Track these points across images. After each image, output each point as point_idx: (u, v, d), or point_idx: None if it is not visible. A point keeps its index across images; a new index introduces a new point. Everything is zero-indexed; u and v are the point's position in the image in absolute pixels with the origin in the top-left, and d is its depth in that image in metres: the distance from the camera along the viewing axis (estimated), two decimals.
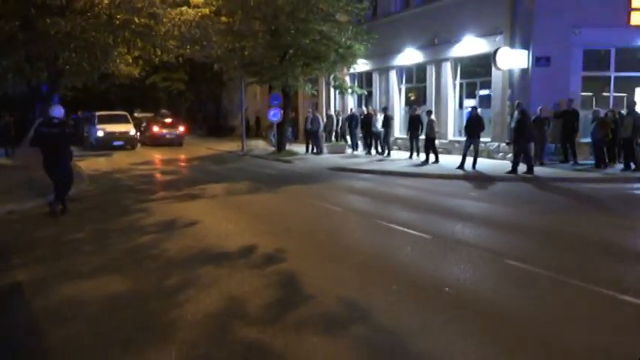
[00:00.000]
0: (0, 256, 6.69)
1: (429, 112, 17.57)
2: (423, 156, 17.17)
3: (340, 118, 23.61)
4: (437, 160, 16.57)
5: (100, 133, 26.08)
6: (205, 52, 22.32)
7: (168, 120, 29.71)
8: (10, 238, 7.69)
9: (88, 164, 19.27)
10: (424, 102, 20.61)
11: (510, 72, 16.57)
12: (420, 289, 5.18)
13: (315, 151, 20.75)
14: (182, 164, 18.85)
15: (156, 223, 8.52)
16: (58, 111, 9.41)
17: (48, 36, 13.10)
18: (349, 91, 21.68)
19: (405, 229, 7.68)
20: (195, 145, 29.00)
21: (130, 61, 20.15)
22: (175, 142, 28.09)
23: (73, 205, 10.27)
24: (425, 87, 20.62)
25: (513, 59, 16.12)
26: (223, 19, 19.47)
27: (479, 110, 15.36)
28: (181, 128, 29.20)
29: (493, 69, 16.93)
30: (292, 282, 5.46)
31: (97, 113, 27.69)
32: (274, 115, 21.24)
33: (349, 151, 21.28)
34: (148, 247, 6.98)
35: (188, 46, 22.40)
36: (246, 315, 4.57)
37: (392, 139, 21.70)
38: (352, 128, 20.98)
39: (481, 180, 13.22)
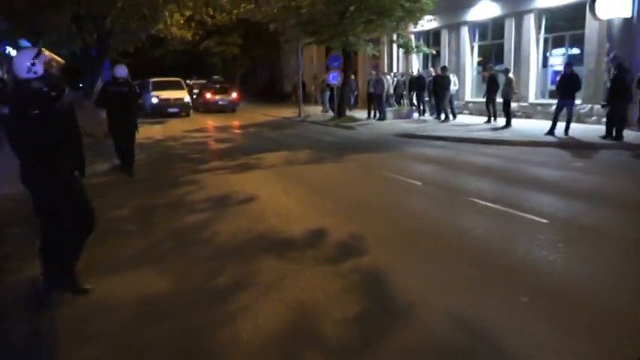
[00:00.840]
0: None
1: (507, 71, 15.57)
2: (501, 120, 15.30)
3: (402, 81, 21.81)
4: (508, 124, 14.75)
5: (155, 100, 25.46)
6: (260, 10, 21.06)
7: (221, 86, 29.16)
8: None
9: (141, 131, 18.55)
10: (500, 61, 18.48)
11: (609, 22, 14.23)
12: (565, 304, 3.71)
13: (378, 116, 19.15)
14: (237, 131, 17.78)
15: (207, 197, 7.38)
16: (122, 70, 9.18)
17: None
18: (415, 50, 19.75)
19: (509, 210, 6.15)
20: (250, 112, 27.97)
21: (182, 22, 19.09)
22: (228, 109, 27.48)
23: (121, 176, 9.35)
24: (502, 44, 18.42)
25: (614, 7, 13.78)
26: None
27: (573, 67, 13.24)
28: (234, 94, 28.54)
29: (588, 20, 14.65)
30: (379, 284, 4.13)
31: (152, 80, 27.04)
32: (333, 77, 19.71)
33: (415, 115, 19.55)
34: (196, 229, 5.82)
35: (242, 4, 21.23)
36: (322, 338, 3.29)
37: (461, 102, 19.80)
38: (420, 91, 19.15)
39: (580, 148, 11.31)
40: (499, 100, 15.36)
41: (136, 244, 5.32)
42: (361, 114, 20.67)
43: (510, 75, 15.08)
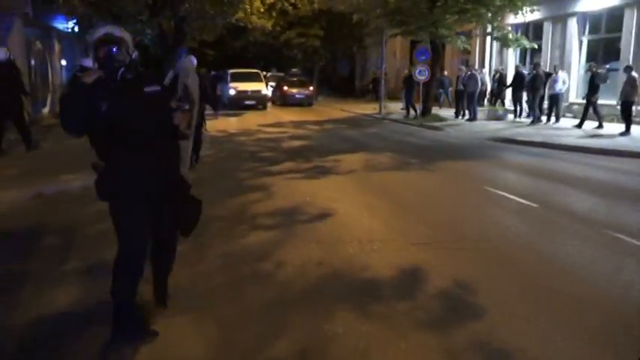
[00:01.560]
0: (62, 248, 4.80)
1: (629, 69, 13.31)
2: (615, 126, 13.16)
3: (497, 77, 19.76)
4: (627, 131, 12.64)
5: (232, 92, 24.99)
6: (345, 0, 19.79)
7: (298, 79, 28.82)
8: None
9: (215, 124, 17.90)
10: (614, 57, 16.10)
11: None
12: None
13: (468, 116, 17.33)
14: (313, 127, 16.66)
15: (273, 210, 6.21)
16: (190, 61, 8.65)
17: None
18: (515, 44, 17.68)
19: None
20: (328, 107, 26.87)
21: (262, 10, 18.23)
22: (305, 103, 26.81)
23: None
24: (618, 38, 16.02)
25: None
26: None
27: None
28: (311, 88, 28.05)
29: None
30: None
31: (230, 71, 26.63)
32: (420, 72, 18.09)
33: (509, 116, 17.55)
34: (255, 257, 4.64)
35: None
36: None
37: (565, 103, 17.55)
38: (518, 90, 17.11)
39: None
40: (606, 102, 13.25)
41: (178, 275, 4.22)
42: (447, 113, 18.95)
43: (633, 73, 12.86)
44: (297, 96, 26.91)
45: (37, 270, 4.31)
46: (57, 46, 18.27)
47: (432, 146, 12.18)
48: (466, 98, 17.35)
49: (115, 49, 2.99)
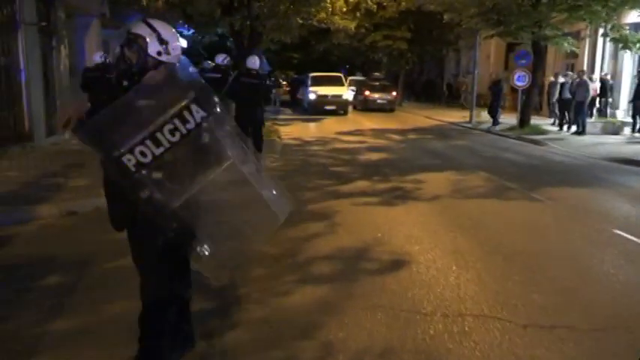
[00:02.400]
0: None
1: None
2: None
3: (610, 85, 17.21)
4: None
5: (312, 96, 24.04)
6: None
7: (381, 84, 27.71)
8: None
9: (292, 130, 17.01)
10: None
11: None
12: None
13: (575, 129, 15.08)
14: (395, 137, 15.18)
15: (333, 251, 4.90)
16: (253, 62, 9.19)
17: None
18: (638, 46, 15.12)
19: None
20: (412, 113, 25.20)
21: (344, 10, 17.04)
22: (386, 108, 25.61)
23: None
24: None
25: None
26: None
27: None
28: (394, 93, 26.63)
29: None
30: None
31: (311, 74, 25.75)
32: (520, 78, 16.05)
33: (626, 131, 15.07)
34: (299, 329, 3.36)
35: None
36: None
37: None
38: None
39: None
40: None
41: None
42: (546, 123, 16.76)
43: None
44: (378, 101, 25.76)
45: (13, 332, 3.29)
46: None
47: (534, 166, 10.32)
48: (573, 108, 15.09)
49: (123, 49, 2.61)
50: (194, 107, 2.50)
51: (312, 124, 19.42)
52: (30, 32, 9.89)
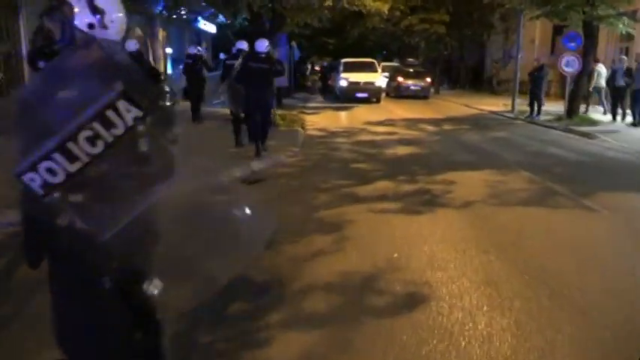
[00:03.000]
0: None
1: None
2: None
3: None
4: None
5: (344, 83, 23.02)
6: None
7: (415, 70, 26.72)
8: None
9: (319, 119, 16.10)
10: None
11: None
12: None
13: (632, 120, 13.60)
14: (428, 128, 14.04)
15: (337, 278, 3.99)
16: (262, 45, 8.83)
17: None
18: None
19: None
20: (450, 101, 23.84)
21: None
22: (420, 95, 24.60)
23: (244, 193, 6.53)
24: None
25: None
26: None
27: None
28: (428, 79, 25.59)
29: None
30: None
31: (343, 60, 24.71)
32: (569, 63, 14.60)
33: None
34: None
35: None
36: None
37: None
38: None
39: None
40: None
41: None
42: (595, 113, 15.29)
43: None
44: (412, 87, 24.75)
45: None
46: (161, 33, 17.54)
47: (585, 164, 9.10)
48: (631, 97, 13.60)
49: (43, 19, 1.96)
50: (122, 105, 1.67)
51: (341, 113, 18.44)
52: (32, 15, 9.27)
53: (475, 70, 35.82)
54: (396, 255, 4.47)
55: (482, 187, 7.01)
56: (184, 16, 14.16)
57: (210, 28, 23.14)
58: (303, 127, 13.39)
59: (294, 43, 25.62)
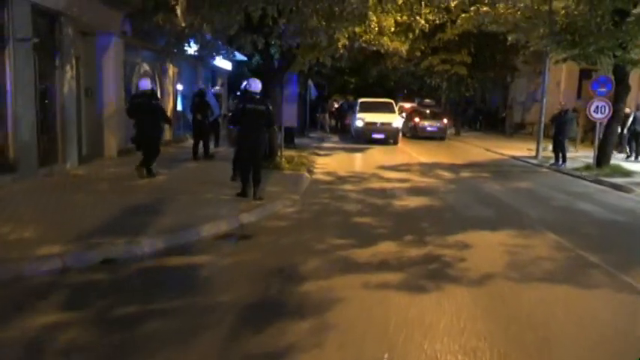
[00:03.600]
0: None
1: None
2: None
3: None
4: None
5: (359, 124, 22.33)
6: (497, 16, 16.04)
7: (431, 111, 27.01)
8: None
9: (330, 161, 15.32)
10: None
11: None
12: None
13: None
14: (445, 174, 13.08)
15: None
16: (256, 85, 8.42)
17: None
18: None
19: None
20: (471, 144, 22.92)
21: (393, 30, 15.25)
22: (437, 136, 24.70)
23: (219, 253, 5.70)
24: None
25: None
26: None
27: None
28: (444, 121, 25.63)
29: None
30: None
31: (360, 100, 24.11)
32: (599, 109, 13.62)
33: None
34: None
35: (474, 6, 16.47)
36: None
37: None
38: None
39: None
40: None
41: None
42: (630, 163, 14.11)
43: None
44: (428, 128, 24.86)
45: None
46: (172, 69, 17.11)
47: (621, 225, 8.00)
48: None
49: None
50: None
51: (355, 155, 17.64)
52: (21, 49, 8.73)
53: (497, 112, 34.93)
54: (386, 356, 3.49)
55: (502, 254, 5.99)
56: (195, 53, 13.63)
57: (226, 65, 22.76)
58: (310, 171, 12.58)
59: (310, 82, 25.18)
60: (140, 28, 12.63)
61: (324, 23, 9.54)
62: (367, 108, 22.81)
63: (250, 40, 10.23)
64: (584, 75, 25.90)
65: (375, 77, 36.92)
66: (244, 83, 10.70)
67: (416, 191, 10.36)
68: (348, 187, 10.79)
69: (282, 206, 8.37)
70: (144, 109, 9.67)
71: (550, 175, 13.68)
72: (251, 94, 8.35)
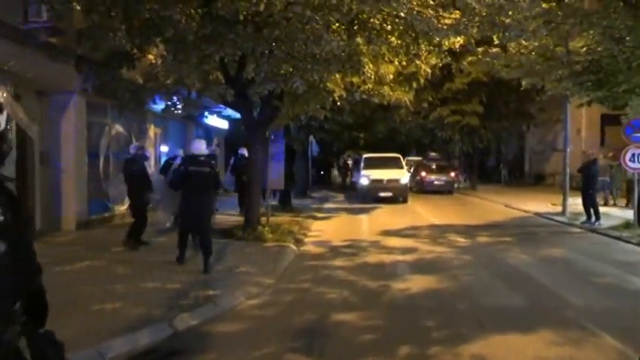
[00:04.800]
0: None
1: None
2: None
3: None
4: None
5: (365, 181, 20.56)
6: (509, 59, 14.42)
7: (438, 164, 26.41)
8: None
9: (327, 226, 13.51)
10: None
11: None
12: None
13: None
14: (459, 240, 11.07)
15: None
16: (198, 146, 7.89)
17: (224, 22, 7.44)
18: None
19: None
20: (487, 199, 20.90)
21: (392, 77, 13.72)
22: (444, 190, 24.26)
23: None
24: None
25: None
26: None
27: None
28: (452, 174, 25.59)
29: None
30: None
31: (365, 156, 22.53)
32: (635, 157, 11.66)
33: None
34: None
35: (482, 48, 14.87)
36: None
37: None
38: None
39: None
40: None
41: None
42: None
43: None
44: (435, 182, 24.51)
45: None
46: (153, 130, 15.68)
47: None
48: None
49: None
50: None
51: (357, 218, 15.73)
52: None
53: (513, 162, 33.04)
54: None
55: None
56: (178, 112, 12.19)
57: (221, 123, 21.41)
58: (298, 242, 10.70)
59: (312, 138, 23.67)
60: (106, 85, 11.18)
61: (293, 70, 7.89)
62: (373, 164, 21.10)
63: (217, 93, 8.62)
64: (606, 120, 24.14)
65: (384, 132, 35.56)
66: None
67: (422, 267, 8.35)
68: (339, 262, 8.82)
69: (243, 297, 6.45)
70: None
71: (585, 238, 11.56)
72: (195, 155, 7.81)
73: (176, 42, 7.96)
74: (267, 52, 7.90)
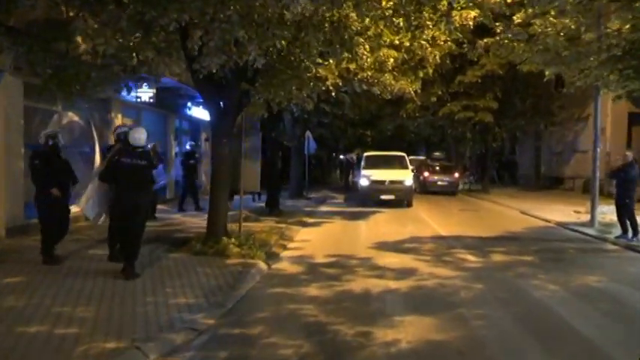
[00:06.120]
0: None
1: None
2: None
3: None
4: None
5: (364, 182, 18.50)
6: (533, 42, 12.25)
7: (441, 164, 25.81)
8: None
9: (317, 235, 11.68)
10: None
11: None
12: None
13: None
14: (469, 259, 9.01)
15: None
16: (137, 137, 7.01)
17: None
18: None
19: None
20: (503, 205, 18.76)
21: (392, 66, 11.76)
22: (447, 191, 23.47)
23: None
24: None
25: None
26: None
27: None
28: (455, 175, 24.55)
29: None
30: None
31: (365, 154, 20.49)
32: None
33: None
34: None
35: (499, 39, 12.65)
36: None
37: None
38: None
39: None
40: None
41: None
42: None
43: None
44: (439, 183, 23.85)
45: None
46: (121, 121, 13.78)
47: None
48: None
49: None
50: None
51: (352, 224, 13.72)
52: None
53: (529, 164, 30.80)
54: None
55: None
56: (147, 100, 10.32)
57: (207, 115, 19.48)
58: (272, 257, 8.74)
59: (308, 134, 21.65)
60: (48, 63, 9.24)
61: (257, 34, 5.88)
62: (374, 163, 19.06)
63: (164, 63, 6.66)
64: (635, 119, 21.91)
65: (391, 129, 33.44)
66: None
67: (419, 301, 6.32)
68: (313, 290, 6.82)
69: (155, 354, 4.47)
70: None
71: (623, 258, 9.45)
72: (130, 146, 6.95)
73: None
74: (217, 13, 5.88)
